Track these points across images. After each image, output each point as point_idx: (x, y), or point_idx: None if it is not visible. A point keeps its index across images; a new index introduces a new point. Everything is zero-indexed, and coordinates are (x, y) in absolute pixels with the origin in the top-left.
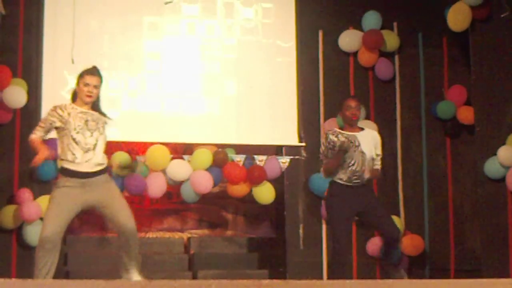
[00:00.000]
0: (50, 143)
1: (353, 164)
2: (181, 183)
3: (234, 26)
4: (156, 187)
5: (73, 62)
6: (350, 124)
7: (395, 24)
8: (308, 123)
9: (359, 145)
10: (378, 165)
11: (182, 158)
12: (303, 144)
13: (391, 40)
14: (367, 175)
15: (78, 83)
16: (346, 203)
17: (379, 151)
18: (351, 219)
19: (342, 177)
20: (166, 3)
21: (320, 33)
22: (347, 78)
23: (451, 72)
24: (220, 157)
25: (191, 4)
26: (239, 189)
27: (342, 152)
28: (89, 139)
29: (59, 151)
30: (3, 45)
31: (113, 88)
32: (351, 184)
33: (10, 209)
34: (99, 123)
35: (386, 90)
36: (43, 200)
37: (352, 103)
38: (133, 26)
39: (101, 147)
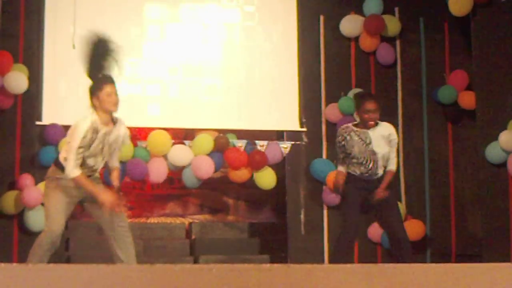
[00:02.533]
0: (53, 128)
1: (364, 162)
2: (182, 168)
3: (235, 11)
4: (157, 172)
5: (74, 47)
6: (365, 127)
7: (396, 9)
8: (309, 108)
9: (370, 143)
10: (392, 164)
11: (183, 143)
12: (304, 129)
13: (393, 25)
14: (380, 172)
15: (97, 96)
16: (359, 193)
17: (395, 142)
18: (362, 209)
19: (355, 171)
20: None
21: (322, 18)
22: (348, 63)
23: (453, 57)
24: (221, 142)
25: None
26: (240, 174)
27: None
28: (99, 163)
29: (62, 152)
30: (4, 31)
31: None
32: (364, 178)
33: (11, 194)
34: (115, 143)
35: (387, 75)
36: (44, 185)
37: (371, 106)
38: (134, 11)
39: (100, 162)
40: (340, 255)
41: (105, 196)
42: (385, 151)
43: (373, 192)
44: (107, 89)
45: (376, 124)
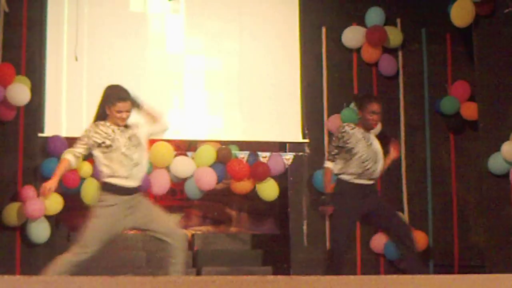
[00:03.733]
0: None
1: (366, 160)
2: (184, 179)
3: (237, 23)
4: (159, 184)
5: (76, 59)
6: (368, 128)
7: (398, 20)
8: (312, 119)
9: (371, 144)
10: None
11: (185, 154)
12: (307, 140)
13: (395, 36)
14: (375, 176)
15: (108, 108)
16: (353, 203)
17: None
18: (355, 220)
19: (353, 171)
20: None
21: (323, 30)
22: (350, 74)
23: (455, 68)
24: (224, 153)
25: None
26: (243, 186)
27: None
28: (135, 154)
29: (101, 167)
30: (7, 43)
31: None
32: (359, 181)
33: (14, 206)
34: (137, 137)
35: (389, 86)
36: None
37: (376, 107)
38: (137, 23)
39: (145, 160)
40: (333, 269)
41: (47, 182)
42: (381, 153)
43: (367, 201)
44: (119, 107)
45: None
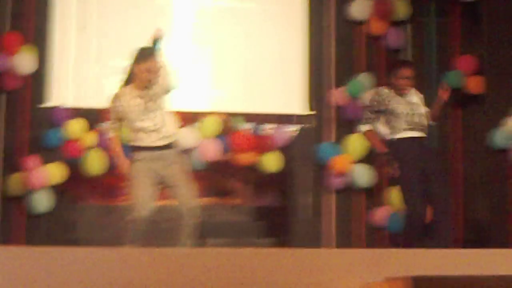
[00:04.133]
0: (60, 110)
1: (412, 114)
2: (189, 151)
3: None
4: None
5: (84, 28)
6: (399, 94)
7: None
8: (318, 91)
9: (409, 99)
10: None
11: (191, 126)
12: (313, 112)
13: (402, 8)
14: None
15: (136, 66)
16: (414, 159)
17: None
18: (419, 176)
19: (404, 127)
20: None
21: (331, 1)
22: (358, 47)
23: (463, 42)
24: (229, 125)
25: None
26: (247, 157)
27: None
28: (153, 120)
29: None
30: (14, 12)
31: (123, 56)
32: (413, 134)
33: (18, 176)
34: (158, 99)
35: (394, 66)
36: (51, 167)
37: (407, 73)
38: None
39: (162, 121)
40: (409, 236)
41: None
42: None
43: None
44: (148, 65)
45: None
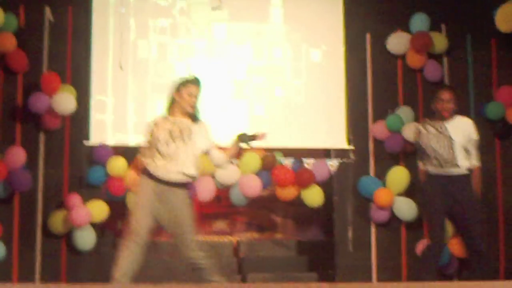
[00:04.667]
0: (101, 149)
1: (442, 151)
2: (230, 186)
3: (282, 30)
4: (205, 190)
5: (121, 68)
6: (441, 118)
7: (443, 25)
8: (357, 125)
9: (445, 130)
10: (475, 159)
11: (231, 162)
12: (352, 147)
13: (440, 42)
14: (460, 164)
15: (179, 92)
16: (438, 192)
17: (474, 137)
18: (441, 209)
19: (432, 163)
20: (214, 8)
21: (368, 36)
22: (395, 80)
23: (500, 73)
24: (269, 160)
25: (238, 8)
26: (287, 192)
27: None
28: (171, 148)
29: (145, 153)
30: (53, 52)
31: (159, 95)
32: (440, 172)
33: (60, 214)
34: (185, 131)
35: (435, 92)
36: (92, 204)
37: (445, 96)
38: (182, 31)
39: (184, 156)
40: (426, 264)
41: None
42: (463, 142)
43: (456, 193)
44: (192, 89)
45: (452, 117)
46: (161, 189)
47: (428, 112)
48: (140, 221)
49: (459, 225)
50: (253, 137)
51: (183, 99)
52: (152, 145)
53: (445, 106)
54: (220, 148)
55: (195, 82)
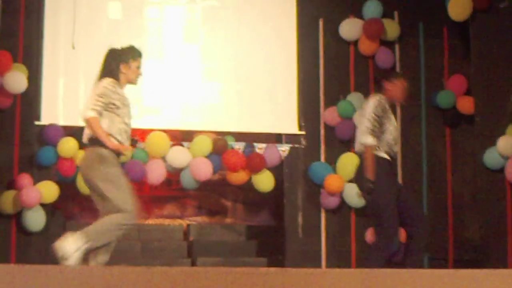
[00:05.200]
0: (52, 129)
1: (393, 136)
2: (180, 170)
3: (235, 14)
4: (155, 173)
5: (73, 47)
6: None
7: (396, 13)
8: (308, 111)
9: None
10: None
11: (181, 145)
12: (303, 132)
13: (392, 29)
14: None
15: (128, 64)
16: (391, 180)
17: None
18: (395, 199)
19: (385, 148)
20: None
21: (321, 22)
22: (347, 67)
23: (452, 61)
24: (220, 144)
25: None
26: (238, 177)
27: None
28: (130, 124)
29: (105, 125)
30: (4, 30)
31: None
32: (389, 158)
33: (9, 194)
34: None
35: (386, 79)
36: (43, 185)
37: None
38: (134, 11)
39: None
40: (380, 255)
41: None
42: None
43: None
44: (140, 62)
45: None
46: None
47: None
48: (126, 192)
49: (403, 212)
50: None
51: (132, 71)
52: (117, 112)
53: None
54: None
55: (141, 55)
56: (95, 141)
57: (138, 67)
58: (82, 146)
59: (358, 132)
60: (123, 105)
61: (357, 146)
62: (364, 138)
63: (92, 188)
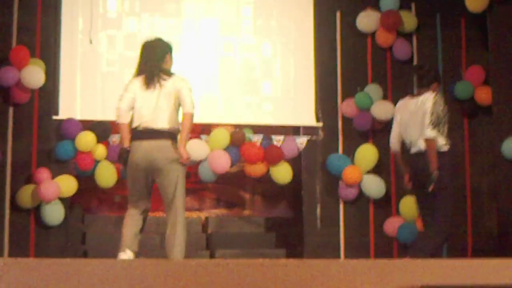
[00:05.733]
0: (70, 123)
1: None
2: (199, 162)
3: (251, 8)
4: None
5: (91, 42)
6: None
7: (413, 4)
8: (326, 103)
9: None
10: None
11: (199, 138)
12: (321, 124)
13: (409, 20)
14: None
15: (167, 57)
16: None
17: None
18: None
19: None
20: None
21: (338, 14)
22: (364, 59)
23: (469, 52)
24: (238, 136)
25: None
26: (256, 169)
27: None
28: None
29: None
30: (21, 26)
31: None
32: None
33: (28, 188)
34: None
35: (403, 70)
36: (61, 179)
37: None
38: (152, 6)
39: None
40: (435, 245)
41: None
42: None
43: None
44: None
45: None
46: (143, 144)
47: (397, 90)
48: (131, 185)
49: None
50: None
51: (168, 64)
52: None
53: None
54: None
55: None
56: (175, 137)
57: (171, 59)
58: (99, 140)
59: (416, 129)
60: None
61: (419, 143)
62: (429, 133)
63: (165, 181)
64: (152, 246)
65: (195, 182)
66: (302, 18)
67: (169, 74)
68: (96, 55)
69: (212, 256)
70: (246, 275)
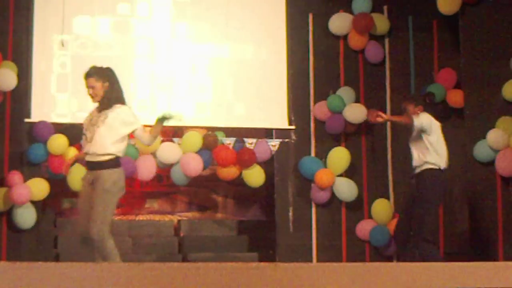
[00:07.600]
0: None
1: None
2: (171, 165)
3: (224, 9)
4: (146, 169)
5: (62, 45)
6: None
7: (385, 7)
8: (298, 106)
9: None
10: None
11: (172, 140)
12: (293, 127)
13: (381, 23)
14: None
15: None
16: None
17: None
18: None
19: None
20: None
21: (310, 16)
22: (337, 61)
23: (441, 55)
24: (210, 140)
25: None
26: (229, 172)
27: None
28: (89, 133)
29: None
30: None
31: None
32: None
33: (0, 191)
34: (101, 116)
35: (376, 73)
36: (33, 182)
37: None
38: (123, 9)
39: (101, 138)
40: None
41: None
42: None
43: None
44: (87, 82)
45: None
46: (88, 173)
47: (369, 93)
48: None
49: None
50: (171, 117)
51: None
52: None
53: None
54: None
55: (88, 74)
56: None
57: (88, 87)
58: (71, 143)
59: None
60: None
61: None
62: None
63: None
64: (124, 249)
65: (168, 185)
66: (274, 20)
67: None
68: (68, 58)
69: (184, 259)
70: (219, 279)
